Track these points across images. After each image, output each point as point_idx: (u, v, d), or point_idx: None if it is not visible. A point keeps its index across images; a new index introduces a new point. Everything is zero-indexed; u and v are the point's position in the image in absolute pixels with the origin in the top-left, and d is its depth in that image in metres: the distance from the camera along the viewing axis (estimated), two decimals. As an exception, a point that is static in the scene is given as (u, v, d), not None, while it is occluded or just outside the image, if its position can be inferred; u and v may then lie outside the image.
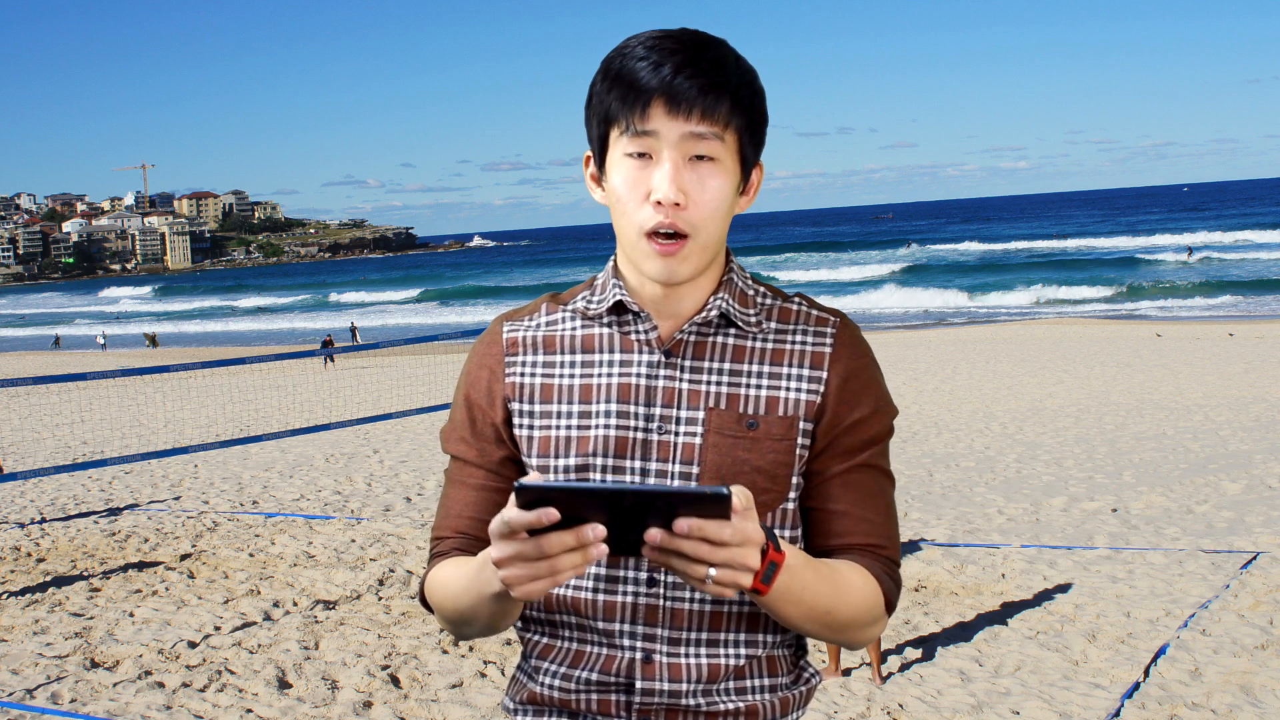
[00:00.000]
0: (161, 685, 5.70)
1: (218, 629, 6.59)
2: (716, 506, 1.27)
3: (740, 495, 1.30)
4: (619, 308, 1.62)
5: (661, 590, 1.57)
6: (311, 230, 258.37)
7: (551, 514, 1.27)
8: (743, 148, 1.55)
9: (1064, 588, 6.91)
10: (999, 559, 7.61)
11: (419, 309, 66.65)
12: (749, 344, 1.61)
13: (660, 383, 1.59)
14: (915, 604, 6.72)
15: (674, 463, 1.57)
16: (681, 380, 1.59)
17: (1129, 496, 9.52)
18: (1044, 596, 6.75)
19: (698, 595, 1.57)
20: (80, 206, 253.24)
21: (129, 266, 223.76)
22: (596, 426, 1.59)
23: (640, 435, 1.58)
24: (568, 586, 1.59)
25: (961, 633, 6.18)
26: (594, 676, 1.60)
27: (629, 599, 1.58)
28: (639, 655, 1.58)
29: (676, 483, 1.56)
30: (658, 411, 1.58)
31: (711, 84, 1.49)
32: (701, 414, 1.57)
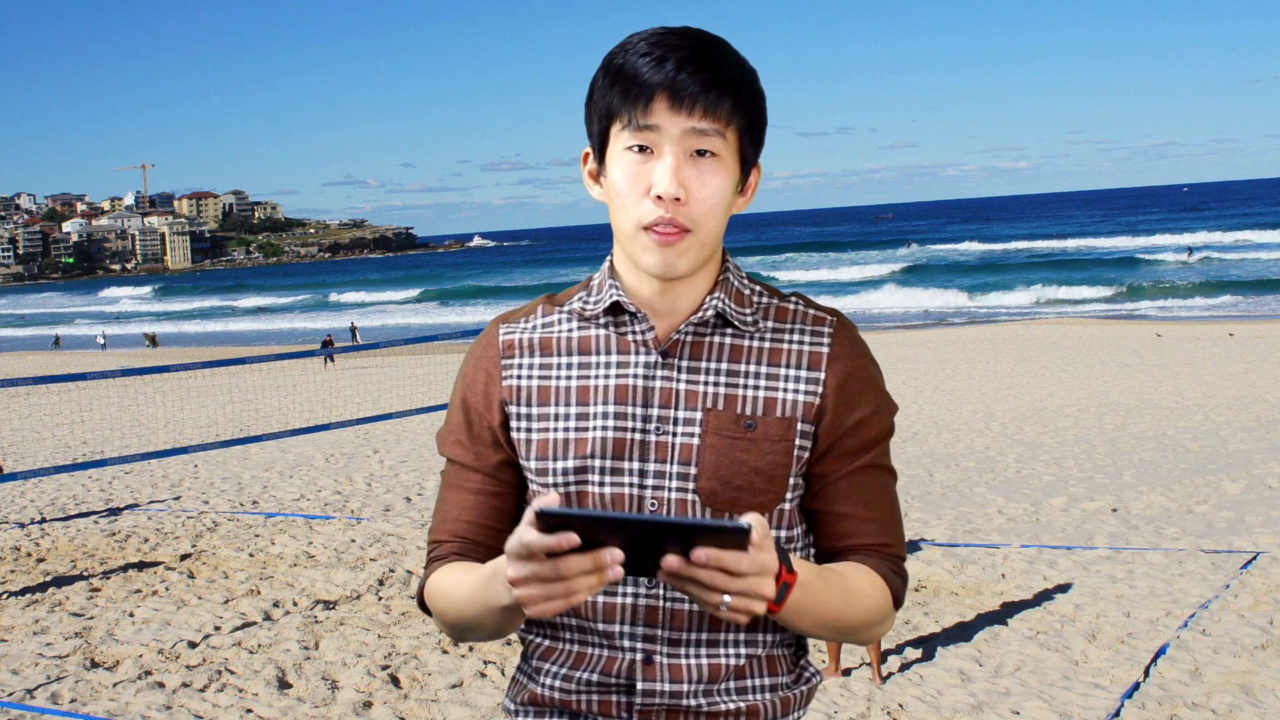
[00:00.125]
0: (161, 685, 5.70)
1: (218, 629, 6.59)
2: (736, 540, 1.29)
3: (759, 528, 1.31)
4: (616, 308, 1.62)
5: (661, 591, 1.57)
6: (311, 230, 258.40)
7: (571, 539, 1.28)
8: (743, 147, 1.55)
9: (1064, 588, 6.91)
10: (999, 559, 7.61)
11: (419, 309, 66.65)
12: (746, 344, 1.61)
13: (658, 383, 1.59)
14: (915, 604, 6.72)
15: (672, 463, 1.57)
16: (679, 381, 1.59)
17: (1129, 496, 9.52)
18: (1044, 596, 6.75)
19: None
20: (80, 206, 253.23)
21: (129, 266, 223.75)
22: (594, 428, 1.59)
23: (638, 436, 1.58)
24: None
25: (961, 633, 6.18)
26: (595, 678, 1.60)
27: (629, 600, 1.58)
28: (639, 656, 1.58)
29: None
30: (655, 412, 1.58)
31: (715, 81, 1.49)
32: (699, 415, 1.58)
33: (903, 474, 10.72)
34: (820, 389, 1.60)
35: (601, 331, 1.63)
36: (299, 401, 19.81)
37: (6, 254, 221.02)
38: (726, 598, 1.32)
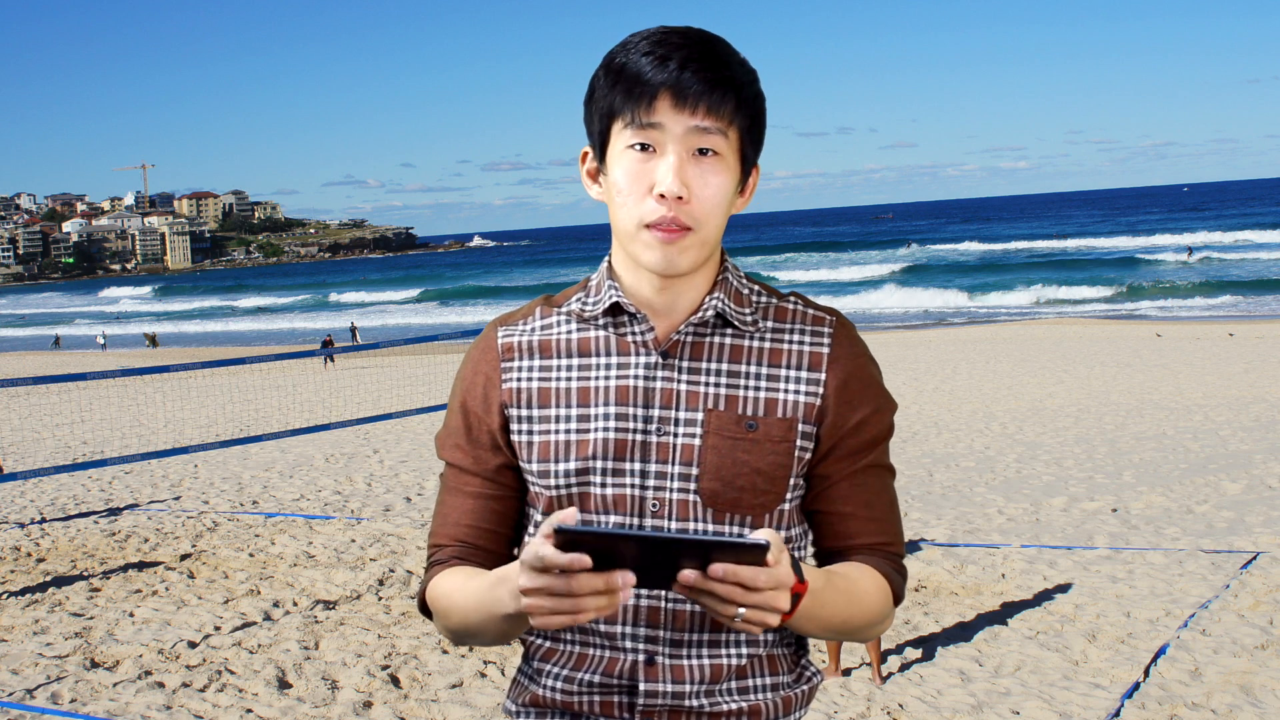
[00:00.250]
0: (161, 685, 5.70)
1: (218, 629, 6.59)
2: (753, 555, 1.30)
3: (775, 544, 1.33)
4: (615, 309, 1.62)
5: (663, 592, 1.58)
6: (311, 230, 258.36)
7: (584, 561, 1.28)
8: (743, 146, 1.55)
9: (1064, 588, 6.91)
10: (999, 559, 7.61)
11: (419, 309, 66.64)
12: (746, 344, 1.61)
13: (658, 384, 1.59)
14: (915, 604, 6.72)
15: (673, 464, 1.57)
16: (679, 381, 1.59)
17: (1129, 496, 9.52)
18: (1044, 596, 6.75)
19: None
20: (80, 206, 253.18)
21: (129, 266, 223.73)
22: (596, 429, 1.58)
23: (639, 437, 1.58)
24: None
25: (961, 633, 6.18)
26: (597, 679, 1.60)
27: (631, 601, 1.58)
28: (641, 657, 1.58)
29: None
30: (656, 413, 1.58)
31: (718, 80, 1.50)
32: (700, 415, 1.58)
33: (903, 474, 10.71)
34: (821, 389, 1.60)
35: (601, 333, 1.63)
36: (299, 401, 19.81)
37: (6, 254, 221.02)
38: (742, 610, 1.33)
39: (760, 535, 1.30)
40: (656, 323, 1.61)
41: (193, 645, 6.31)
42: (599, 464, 1.58)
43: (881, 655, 5.65)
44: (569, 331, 1.65)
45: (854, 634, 1.59)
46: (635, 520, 1.58)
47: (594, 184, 1.62)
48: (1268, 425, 12.98)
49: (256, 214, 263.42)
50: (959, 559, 7.63)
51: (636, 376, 1.59)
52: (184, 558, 8.44)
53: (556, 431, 1.61)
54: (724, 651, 1.60)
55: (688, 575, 1.30)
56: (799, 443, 1.59)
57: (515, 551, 1.69)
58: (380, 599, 7.14)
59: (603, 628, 1.59)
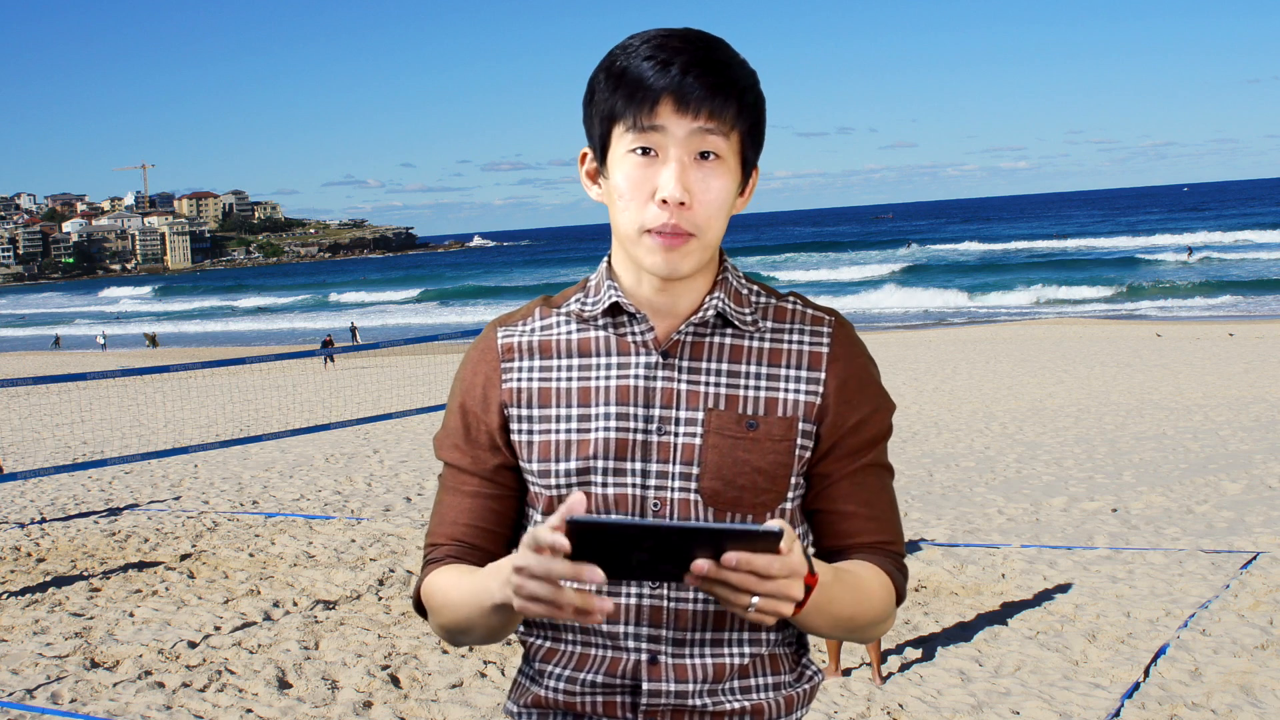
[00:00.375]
0: (161, 685, 5.70)
1: (218, 629, 6.59)
2: (766, 544, 1.30)
3: (788, 532, 1.33)
4: (615, 309, 1.62)
5: (665, 591, 1.58)
6: (311, 230, 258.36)
7: (596, 575, 1.29)
8: (744, 149, 1.55)
9: (1064, 588, 6.91)
10: (999, 559, 7.61)
11: (419, 309, 66.65)
12: (746, 344, 1.61)
13: (659, 384, 1.59)
14: (915, 604, 6.73)
15: (674, 464, 1.57)
16: (680, 381, 1.59)
17: (1129, 496, 9.52)
18: (1044, 596, 6.75)
19: (701, 596, 1.58)
20: (80, 206, 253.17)
21: (129, 266, 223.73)
22: (596, 429, 1.59)
23: (640, 437, 1.58)
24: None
25: (961, 633, 6.18)
26: (599, 679, 1.60)
27: (633, 601, 1.58)
28: (644, 657, 1.58)
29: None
30: (657, 413, 1.58)
31: (720, 84, 1.49)
32: (701, 415, 1.58)
33: (903, 474, 10.72)
34: (821, 389, 1.60)
35: (601, 333, 1.63)
36: (299, 401, 19.81)
37: (6, 254, 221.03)
38: (755, 600, 1.33)
39: (773, 524, 1.30)
40: (656, 323, 1.61)
41: (193, 645, 6.31)
42: (600, 463, 1.58)
43: (881, 655, 5.65)
44: (569, 332, 1.65)
45: (859, 631, 1.58)
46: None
47: (594, 185, 1.62)
48: (1268, 425, 12.98)
49: (256, 214, 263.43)
50: (959, 559, 7.63)
51: (637, 376, 1.59)
52: (184, 558, 8.44)
53: (557, 431, 1.61)
54: (726, 651, 1.60)
55: (700, 565, 1.30)
56: (799, 441, 1.59)
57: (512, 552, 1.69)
58: (380, 599, 7.14)
59: (605, 628, 1.59)
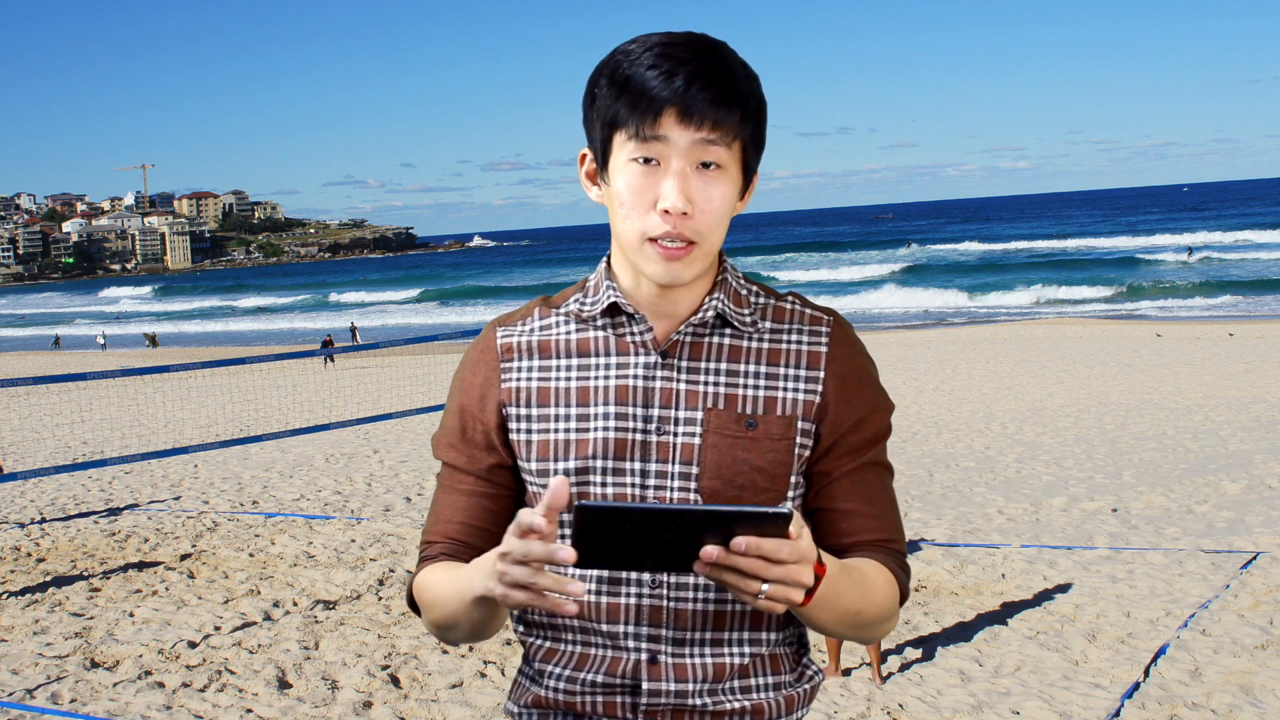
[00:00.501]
0: (161, 685, 5.70)
1: (218, 629, 6.59)
2: (776, 526, 1.29)
3: (796, 518, 1.32)
4: (613, 309, 1.62)
5: (665, 591, 1.58)
6: (311, 230, 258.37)
7: (569, 555, 1.29)
8: (746, 156, 1.55)
9: (1064, 588, 6.91)
10: (999, 559, 7.61)
11: (419, 309, 66.65)
12: (745, 344, 1.62)
13: (658, 384, 1.59)
14: (915, 604, 6.73)
15: (673, 463, 1.57)
16: (679, 381, 1.59)
17: (1129, 496, 9.52)
18: (1044, 596, 6.75)
19: (701, 595, 1.58)
20: (80, 206, 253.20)
21: (129, 266, 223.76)
22: (595, 429, 1.59)
23: (639, 437, 1.58)
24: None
25: (961, 633, 6.18)
26: (599, 679, 1.60)
27: (632, 601, 1.58)
28: (644, 656, 1.58)
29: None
30: (656, 413, 1.58)
31: (723, 95, 1.49)
32: (700, 414, 1.58)
33: (902, 474, 10.72)
34: (820, 388, 1.60)
35: (600, 333, 1.63)
36: (299, 401, 19.81)
37: (6, 254, 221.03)
38: (765, 587, 1.32)
39: (782, 506, 1.30)
40: (655, 323, 1.61)
41: (193, 645, 6.31)
42: (599, 463, 1.58)
43: (881, 655, 5.65)
44: (568, 332, 1.65)
45: (865, 629, 1.57)
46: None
47: (594, 186, 1.62)
48: (1268, 425, 12.98)
49: (256, 214, 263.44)
50: (959, 559, 7.63)
51: (636, 376, 1.60)
52: (184, 558, 8.44)
53: (556, 431, 1.61)
54: (726, 650, 1.60)
55: (709, 552, 1.29)
56: (798, 440, 1.59)
57: None
58: (380, 599, 7.14)
59: (604, 627, 1.59)
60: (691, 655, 1.59)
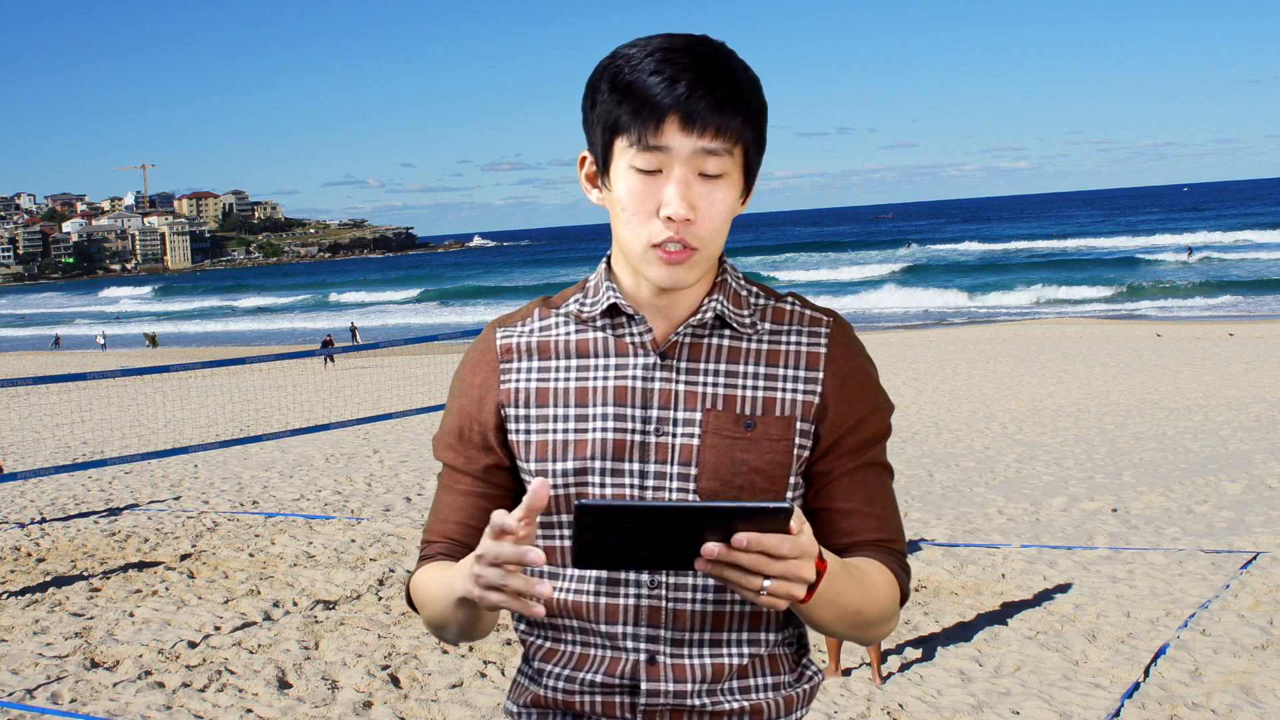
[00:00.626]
0: (161, 685, 5.70)
1: (218, 629, 6.60)
2: (776, 521, 1.28)
3: (797, 514, 1.32)
4: (613, 310, 1.62)
5: (664, 592, 1.58)
6: (311, 230, 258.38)
7: (539, 557, 1.31)
8: (748, 159, 1.55)
9: (1064, 588, 6.91)
10: (999, 559, 7.61)
11: (419, 309, 66.64)
12: (744, 345, 1.62)
13: (656, 385, 1.59)
14: (915, 604, 6.73)
15: (672, 464, 1.57)
16: (678, 382, 1.59)
17: (1129, 496, 9.52)
18: (1044, 596, 6.75)
19: (700, 595, 1.58)
20: (80, 206, 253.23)
21: (129, 266, 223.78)
22: (594, 429, 1.59)
23: (638, 438, 1.58)
24: (568, 590, 1.60)
25: (961, 633, 6.18)
26: (598, 679, 1.60)
27: (631, 601, 1.58)
28: (643, 657, 1.58)
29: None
30: (655, 414, 1.58)
31: (725, 101, 1.49)
32: (698, 415, 1.58)
33: (902, 474, 10.72)
34: (819, 388, 1.60)
35: (599, 334, 1.63)
36: (299, 401, 19.81)
37: (6, 254, 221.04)
38: (767, 583, 1.32)
39: (782, 501, 1.30)
40: (655, 324, 1.61)
41: (193, 645, 6.31)
42: (597, 464, 1.58)
43: (881, 655, 5.65)
44: (567, 332, 1.65)
45: (866, 628, 1.57)
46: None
47: (594, 189, 1.62)
48: (1268, 425, 12.98)
49: (256, 214, 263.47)
50: (959, 559, 7.63)
51: (635, 377, 1.60)
52: (184, 558, 8.44)
53: (554, 431, 1.61)
54: (725, 651, 1.60)
55: (711, 548, 1.29)
56: (797, 441, 1.59)
57: None
58: (380, 599, 7.14)
59: (603, 628, 1.59)
60: (690, 656, 1.59)
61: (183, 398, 21.48)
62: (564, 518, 1.61)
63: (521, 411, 1.63)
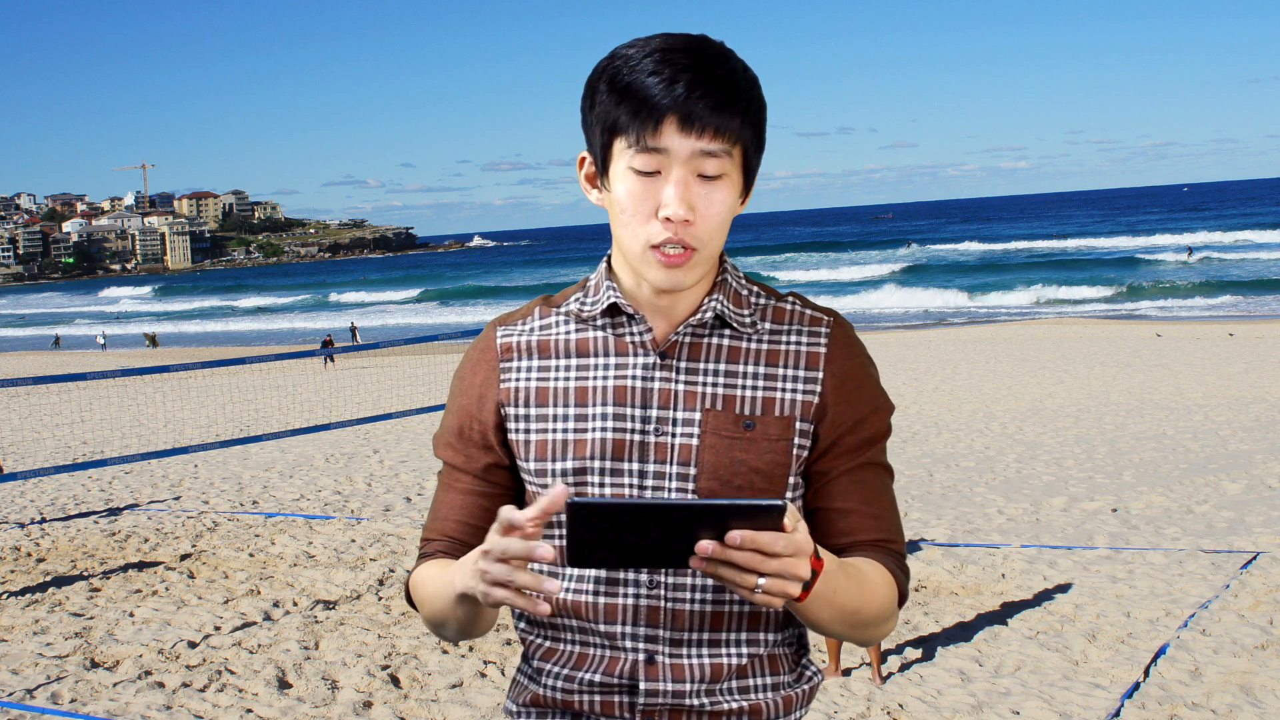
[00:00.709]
0: (161, 685, 5.70)
1: (218, 629, 6.60)
2: (770, 519, 1.28)
3: (791, 510, 1.31)
4: (613, 310, 1.62)
5: (663, 592, 1.58)
6: (311, 230, 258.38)
7: (547, 552, 1.30)
8: (747, 159, 1.55)
9: (1064, 588, 6.91)
10: (999, 559, 7.61)
11: (419, 309, 66.64)
12: (744, 345, 1.61)
13: (656, 384, 1.59)
14: (915, 604, 6.73)
15: (671, 464, 1.57)
16: (677, 382, 1.59)
17: (1129, 496, 9.52)
18: (1044, 596, 6.75)
19: (699, 595, 1.58)
20: (80, 206, 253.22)
21: (129, 266, 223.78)
22: (593, 429, 1.59)
23: (637, 438, 1.58)
24: (568, 590, 1.60)
25: (961, 633, 6.18)
26: (597, 678, 1.60)
27: (630, 601, 1.58)
28: (642, 657, 1.58)
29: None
30: (654, 413, 1.58)
31: (724, 101, 1.48)
32: (698, 415, 1.58)
33: (902, 474, 10.72)
34: (819, 388, 1.60)
35: (599, 333, 1.63)
36: (299, 401, 19.81)
37: (6, 254, 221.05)
38: (761, 581, 1.32)
39: (775, 498, 1.29)
40: (655, 323, 1.61)
41: (193, 645, 6.31)
42: (597, 464, 1.58)
43: (881, 655, 5.65)
44: (568, 332, 1.65)
45: (863, 628, 1.56)
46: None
47: (593, 189, 1.62)
48: (1268, 425, 12.98)
49: (256, 214, 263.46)
50: (959, 559, 7.63)
51: (634, 377, 1.60)
52: (184, 558, 8.44)
53: (554, 431, 1.61)
54: (724, 651, 1.60)
55: (705, 546, 1.28)
56: (797, 441, 1.59)
57: None
58: (380, 599, 7.14)
59: (602, 628, 1.59)
60: (689, 656, 1.59)
61: (183, 398, 21.48)
62: (562, 518, 1.60)
63: (521, 411, 1.63)
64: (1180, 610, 6.35)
